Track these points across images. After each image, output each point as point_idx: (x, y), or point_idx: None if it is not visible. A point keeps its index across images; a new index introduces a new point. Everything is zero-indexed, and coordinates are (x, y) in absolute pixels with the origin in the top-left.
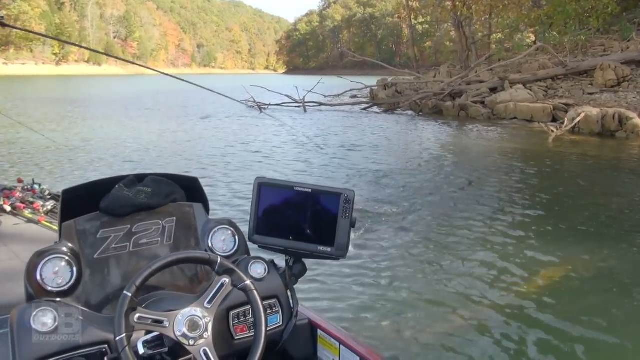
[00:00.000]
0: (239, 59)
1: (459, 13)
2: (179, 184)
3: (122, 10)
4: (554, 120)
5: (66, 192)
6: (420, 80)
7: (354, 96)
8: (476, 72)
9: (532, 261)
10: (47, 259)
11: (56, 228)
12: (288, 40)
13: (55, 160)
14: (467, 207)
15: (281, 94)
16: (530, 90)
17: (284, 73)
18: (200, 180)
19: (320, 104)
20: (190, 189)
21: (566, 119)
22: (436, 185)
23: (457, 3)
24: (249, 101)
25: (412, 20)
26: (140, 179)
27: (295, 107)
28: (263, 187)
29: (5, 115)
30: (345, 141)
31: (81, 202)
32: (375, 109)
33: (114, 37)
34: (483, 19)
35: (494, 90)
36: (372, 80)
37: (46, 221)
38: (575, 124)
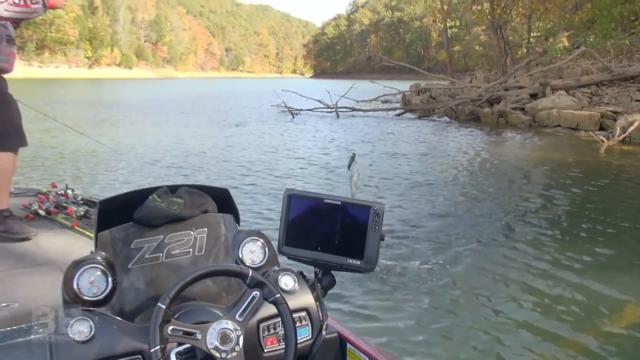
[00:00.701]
0: (266, 63)
1: (496, 16)
2: (210, 195)
3: (152, 15)
4: (602, 128)
5: (102, 203)
6: (455, 85)
7: (386, 101)
8: (515, 77)
9: (599, 296)
10: (83, 268)
11: (88, 234)
12: (315, 44)
13: (93, 165)
14: (512, 226)
15: (313, 99)
16: (574, 96)
17: (311, 77)
18: (231, 191)
19: (353, 110)
20: (221, 200)
21: (617, 127)
22: (476, 199)
23: (496, 6)
24: (280, 105)
25: (444, 24)
26: (173, 189)
27: (328, 112)
28: (293, 198)
29: (52, 118)
30: (379, 149)
31: (116, 212)
32: (409, 114)
33: (145, 41)
34: (520, 22)
35: (534, 96)
36: (402, 85)
37: (79, 226)
38: (628, 133)
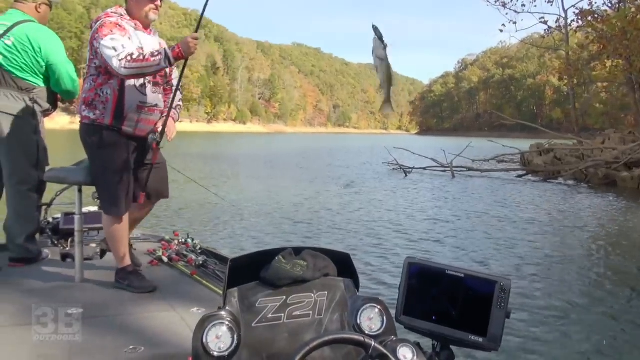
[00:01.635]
0: (372, 119)
1: (635, 72)
2: (332, 258)
3: (267, 74)
4: None
5: (233, 261)
6: (584, 146)
7: (502, 161)
8: None
9: None
10: (212, 323)
11: (206, 283)
12: (422, 101)
13: (212, 216)
14: None
15: (425, 157)
16: None
17: (416, 133)
18: (351, 255)
19: (469, 169)
20: (342, 264)
21: None
22: (619, 281)
23: (635, 60)
24: (392, 163)
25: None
26: (297, 251)
27: (441, 171)
28: (413, 267)
29: (178, 171)
30: (499, 213)
31: (244, 270)
32: (531, 176)
33: (259, 98)
34: None
35: None
36: (517, 144)
37: (197, 275)
38: None
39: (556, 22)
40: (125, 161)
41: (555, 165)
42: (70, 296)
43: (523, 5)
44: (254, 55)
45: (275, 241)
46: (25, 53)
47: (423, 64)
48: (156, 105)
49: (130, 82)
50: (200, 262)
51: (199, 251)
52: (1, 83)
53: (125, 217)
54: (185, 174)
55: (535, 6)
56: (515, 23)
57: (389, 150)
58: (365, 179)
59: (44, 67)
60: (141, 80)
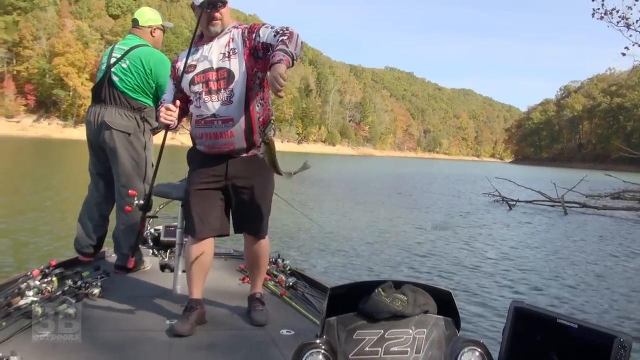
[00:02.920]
0: (464, 146)
1: None
2: (433, 295)
3: (359, 97)
4: None
5: (333, 290)
6: None
7: (617, 197)
8: None
9: None
10: (310, 352)
11: (295, 305)
12: (519, 129)
13: (303, 239)
14: None
15: (532, 190)
16: None
17: (511, 162)
18: (453, 293)
19: (584, 206)
20: (443, 302)
21: None
22: None
23: None
24: (493, 194)
25: None
26: (397, 285)
27: (550, 206)
28: (520, 312)
29: (276, 194)
30: (622, 259)
31: (342, 300)
32: None
33: (350, 121)
34: None
35: None
36: (635, 178)
37: (287, 296)
38: None
39: None
40: (203, 182)
41: None
42: (166, 307)
43: None
44: (347, 78)
45: (368, 271)
46: (138, 75)
47: (520, 90)
48: (215, 117)
49: (191, 95)
50: (291, 284)
51: (289, 272)
52: (117, 103)
53: (202, 244)
54: (280, 195)
55: None
56: None
57: (490, 179)
58: (466, 211)
59: (154, 88)
60: (196, 88)
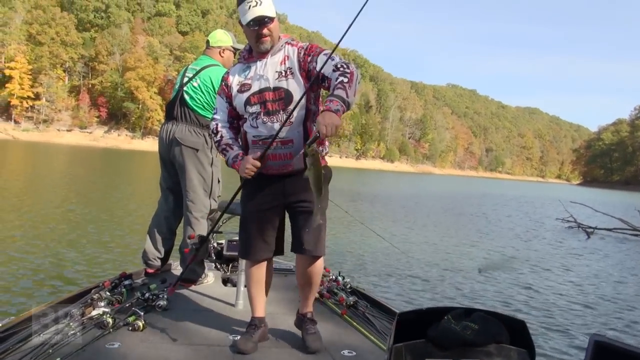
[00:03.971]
0: (527, 166)
1: None
2: (505, 324)
3: (419, 114)
4: None
5: (401, 316)
6: None
7: None
8: None
9: None
10: None
11: (355, 325)
12: (588, 150)
13: (365, 254)
14: None
15: (612, 216)
16: None
17: (578, 184)
18: (527, 323)
19: None
20: (516, 332)
21: None
22: None
23: None
24: (568, 220)
25: None
26: (468, 313)
27: (633, 235)
28: (600, 346)
29: (345, 211)
30: None
31: (410, 326)
32: None
33: (409, 138)
34: None
35: None
36: None
37: (347, 315)
38: None
39: None
40: (259, 202)
41: None
42: (229, 321)
43: None
44: (407, 94)
45: (432, 295)
46: (207, 93)
47: (590, 109)
48: (273, 138)
49: (246, 114)
50: (351, 303)
51: (349, 290)
52: (187, 120)
53: (260, 265)
54: (345, 209)
55: None
56: None
57: (563, 203)
58: (538, 237)
59: None
60: (253, 109)
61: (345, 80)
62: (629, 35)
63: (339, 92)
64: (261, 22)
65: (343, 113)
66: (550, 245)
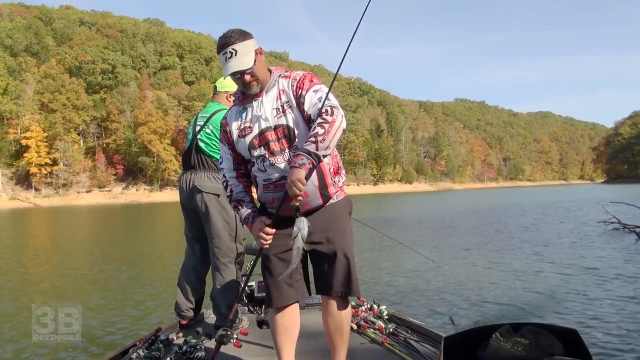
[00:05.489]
0: (548, 170)
1: None
2: (557, 335)
3: (431, 132)
4: None
5: (447, 340)
6: None
7: None
8: None
9: None
10: None
11: (398, 352)
12: (608, 147)
13: (402, 281)
14: None
15: None
16: None
17: (603, 182)
18: (580, 332)
19: None
20: (569, 342)
21: None
22: None
23: None
24: (610, 222)
25: None
26: (516, 328)
27: None
28: None
29: (388, 237)
30: None
31: (458, 349)
32: None
33: (424, 157)
34: None
35: None
36: None
37: (389, 344)
38: None
39: None
40: (278, 245)
41: None
42: None
43: None
44: (417, 115)
45: (476, 314)
46: None
47: (603, 105)
48: (284, 179)
49: (252, 159)
50: (391, 330)
51: (386, 317)
52: (205, 167)
53: (286, 312)
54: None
55: None
56: None
57: (603, 204)
58: (580, 244)
59: None
60: (257, 152)
61: (321, 132)
62: (636, 29)
63: (309, 146)
64: (241, 72)
65: (313, 166)
66: (597, 248)
